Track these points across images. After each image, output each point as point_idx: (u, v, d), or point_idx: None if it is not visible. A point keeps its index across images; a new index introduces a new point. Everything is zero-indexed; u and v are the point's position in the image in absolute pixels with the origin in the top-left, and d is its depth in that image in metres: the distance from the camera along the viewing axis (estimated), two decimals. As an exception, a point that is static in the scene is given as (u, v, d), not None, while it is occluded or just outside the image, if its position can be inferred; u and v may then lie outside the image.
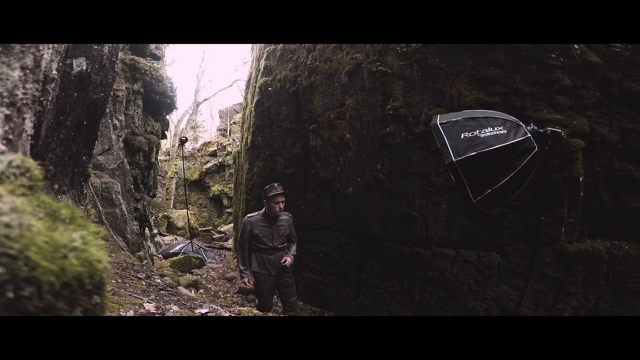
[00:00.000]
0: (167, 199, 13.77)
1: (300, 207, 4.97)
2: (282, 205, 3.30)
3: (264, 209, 3.38)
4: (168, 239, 10.47)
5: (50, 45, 0.90)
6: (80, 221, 0.42)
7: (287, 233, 3.44)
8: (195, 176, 14.44)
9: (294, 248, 3.53)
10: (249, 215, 3.44)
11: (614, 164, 3.21)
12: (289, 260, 3.33)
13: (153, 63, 5.41)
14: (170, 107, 6.01)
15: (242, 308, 2.28)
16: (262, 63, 6.11)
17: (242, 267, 3.39)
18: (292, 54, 5.34)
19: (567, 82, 3.25)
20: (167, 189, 13.94)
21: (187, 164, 14.75)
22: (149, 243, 5.89)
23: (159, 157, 7.17)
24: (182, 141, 8.41)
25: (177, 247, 7.52)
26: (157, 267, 5.05)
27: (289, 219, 3.49)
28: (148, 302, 1.88)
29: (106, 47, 2.19)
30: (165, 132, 6.43)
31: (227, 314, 1.87)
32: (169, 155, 15.38)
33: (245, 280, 3.36)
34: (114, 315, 1.48)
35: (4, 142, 0.50)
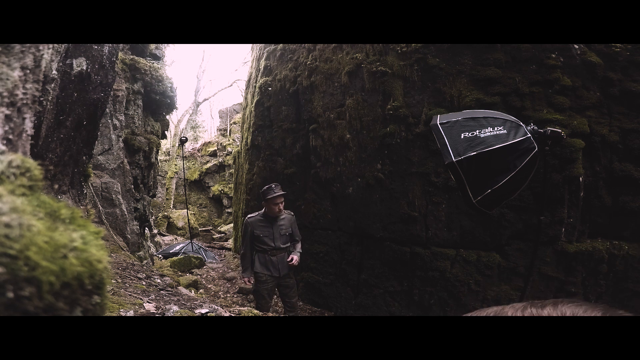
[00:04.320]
0: (167, 199, 13.77)
1: (300, 207, 4.96)
2: (281, 206, 3.28)
3: (264, 209, 3.36)
4: (168, 239, 10.46)
5: (50, 45, 0.90)
6: (80, 221, 0.42)
7: (289, 232, 3.40)
8: (195, 176, 14.44)
9: (299, 246, 3.46)
10: (249, 216, 3.42)
11: (614, 164, 3.21)
12: (296, 258, 3.27)
13: (153, 63, 5.41)
14: (170, 107, 6.01)
15: (242, 308, 2.27)
16: (262, 63, 6.11)
17: (243, 267, 3.44)
18: (292, 54, 5.34)
19: (567, 82, 3.25)
20: (167, 189, 13.94)
21: (187, 164, 14.74)
22: (149, 243, 5.89)
23: (159, 157, 7.17)
24: (182, 141, 8.42)
25: (177, 247, 7.52)
26: (157, 267, 5.05)
27: (291, 218, 3.44)
28: (148, 302, 1.88)
29: (106, 47, 2.19)
30: (165, 132, 6.43)
31: (227, 314, 1.87)
32: (169, 155, 15.38)
33: (245, 279, 3.39)
34: (114, 315, 1.48)
35: (4, 142, 0.50)
